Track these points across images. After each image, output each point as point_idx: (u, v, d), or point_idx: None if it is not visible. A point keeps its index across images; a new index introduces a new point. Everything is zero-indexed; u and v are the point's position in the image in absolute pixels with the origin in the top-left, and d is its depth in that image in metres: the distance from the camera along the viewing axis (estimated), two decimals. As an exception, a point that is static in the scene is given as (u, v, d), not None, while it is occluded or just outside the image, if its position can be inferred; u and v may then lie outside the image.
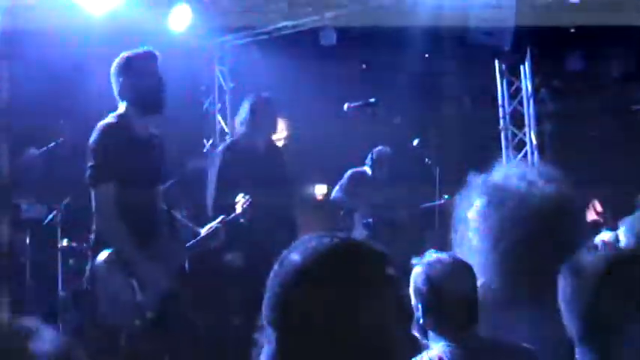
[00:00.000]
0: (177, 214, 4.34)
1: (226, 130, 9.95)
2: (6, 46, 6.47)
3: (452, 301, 2.37)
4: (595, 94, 9.68)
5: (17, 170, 6.16)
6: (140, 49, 3.95)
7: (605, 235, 3.10)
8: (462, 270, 2.42)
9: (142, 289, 3.54)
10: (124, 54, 3.94)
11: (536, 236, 2.44)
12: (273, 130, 5.67)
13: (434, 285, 2.39)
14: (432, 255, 2.46)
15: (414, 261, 2.49)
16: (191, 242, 4.03)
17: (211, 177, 5.31)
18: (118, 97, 3.90)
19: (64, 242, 6.03)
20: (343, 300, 1.31)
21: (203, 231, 4.10)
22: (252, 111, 5.44)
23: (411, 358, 2.19)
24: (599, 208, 5.84)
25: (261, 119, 5.44)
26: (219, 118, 9.93)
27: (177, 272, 3.84)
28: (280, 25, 8.69)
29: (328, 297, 1.31)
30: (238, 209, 4.39)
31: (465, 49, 7.96)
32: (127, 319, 3.50)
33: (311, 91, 8.51)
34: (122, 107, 3.87)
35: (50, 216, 6.16)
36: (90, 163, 3.67)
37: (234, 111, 10.14)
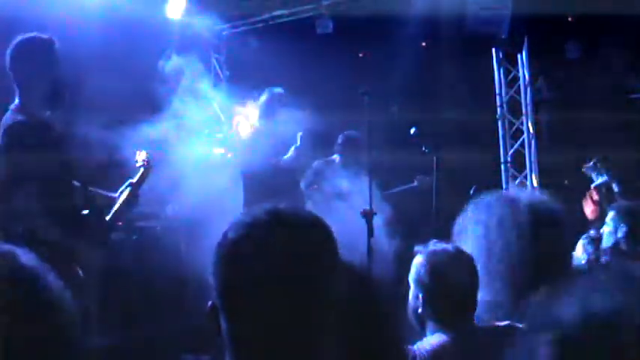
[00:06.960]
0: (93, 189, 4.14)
1: (222, 119, 9.90)
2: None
3: (455, 293, 2.37)
4: (592, 83, 9.66)
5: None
6: (39, 34, 3.59)
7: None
8: (465, 262, 2.42)
9: (83, 270, 3.52)
10: (26, 36, 3.58)
11: (526, 249, 2.41)
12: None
13: (438, 276, 2.38)
14: (435, 245, 2.45)
15: (416, 248, 2.48)
16: (110, 215, 3.97)
17: None
18: (16, 86, 3.57)
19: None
20: (283, 272, 1.32)
21: (119, 199, 4.04)
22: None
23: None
24: (595, 197, 5.83)
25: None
26: (215, 106, 9.88)
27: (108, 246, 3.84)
28: (277, 13, 8.65)
29: (266, 271, 1.32)
30: (139, 164, 4.33)
31: (463, 38, 7.93)
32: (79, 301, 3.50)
33: (308, 80, 8.48)
34: (22, 98, 3.57)
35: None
36: (5, 164, 3.47)
37: (231, 100, 10.13)
